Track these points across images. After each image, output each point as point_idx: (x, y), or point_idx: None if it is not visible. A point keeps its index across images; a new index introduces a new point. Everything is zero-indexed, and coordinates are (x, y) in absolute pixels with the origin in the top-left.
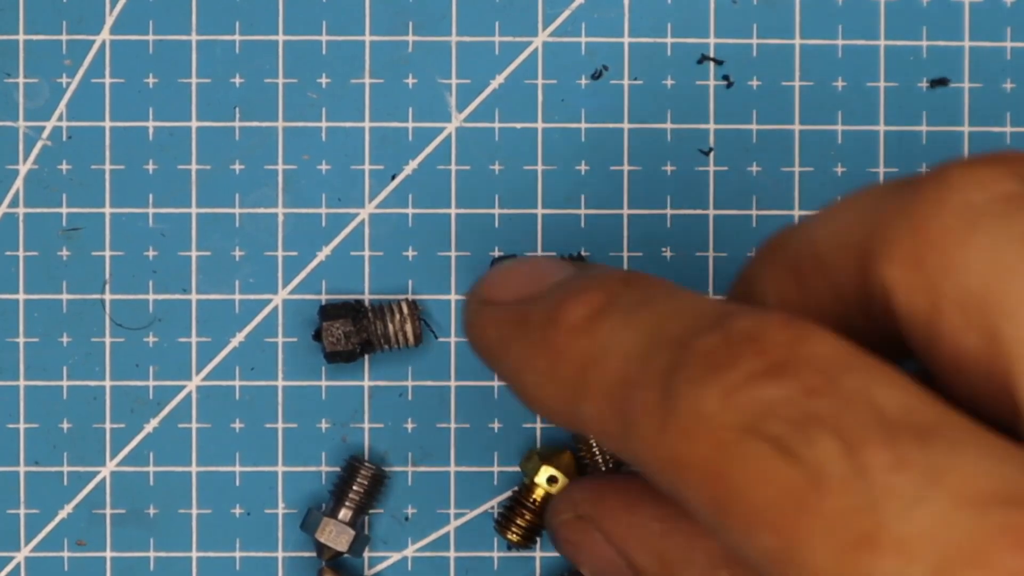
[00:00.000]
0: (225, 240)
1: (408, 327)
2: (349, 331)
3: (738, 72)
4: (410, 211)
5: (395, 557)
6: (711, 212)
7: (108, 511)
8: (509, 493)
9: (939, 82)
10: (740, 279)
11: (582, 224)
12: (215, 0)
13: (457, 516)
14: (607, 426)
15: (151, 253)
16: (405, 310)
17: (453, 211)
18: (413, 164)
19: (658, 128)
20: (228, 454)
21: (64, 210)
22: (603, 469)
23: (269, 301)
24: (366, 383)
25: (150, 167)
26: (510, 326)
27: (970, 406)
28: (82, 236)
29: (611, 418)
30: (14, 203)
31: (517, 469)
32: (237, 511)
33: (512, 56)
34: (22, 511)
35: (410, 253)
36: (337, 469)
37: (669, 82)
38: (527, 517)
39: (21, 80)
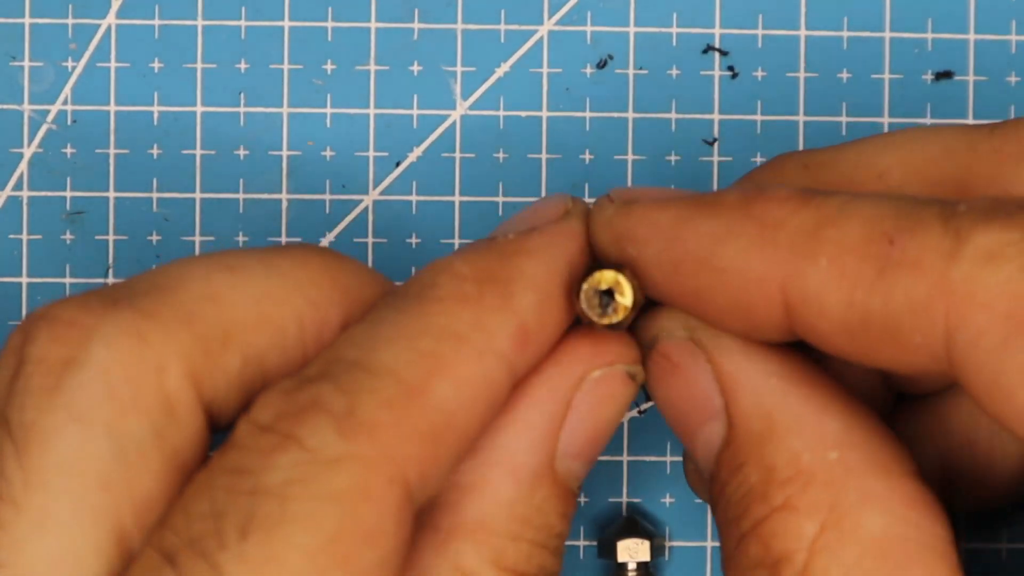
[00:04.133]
0: (229, 226)
1: None
2: None
3: (743, 62)
4: (414, 198)
5: None
6: None
7: None
8: None
9: (944, 75)
10: None
11: None
12: None
13: None
14: (849, 273)
15: (155, 238)
16: None
17: (457, 199)
18: (418, 151)
19: (663, 118)
20: None
21: (68, 194)
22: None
23: None
24: None
25: (154, 152)
26: (692, 208)
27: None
28: (86, 220)
29: (857, 265)
30: (18, 186)
31: None
32: None
33: (517, 44)
34: None
35: (414, 240)
36: None
37: (674, 72)
38: None
39: (26, 63)
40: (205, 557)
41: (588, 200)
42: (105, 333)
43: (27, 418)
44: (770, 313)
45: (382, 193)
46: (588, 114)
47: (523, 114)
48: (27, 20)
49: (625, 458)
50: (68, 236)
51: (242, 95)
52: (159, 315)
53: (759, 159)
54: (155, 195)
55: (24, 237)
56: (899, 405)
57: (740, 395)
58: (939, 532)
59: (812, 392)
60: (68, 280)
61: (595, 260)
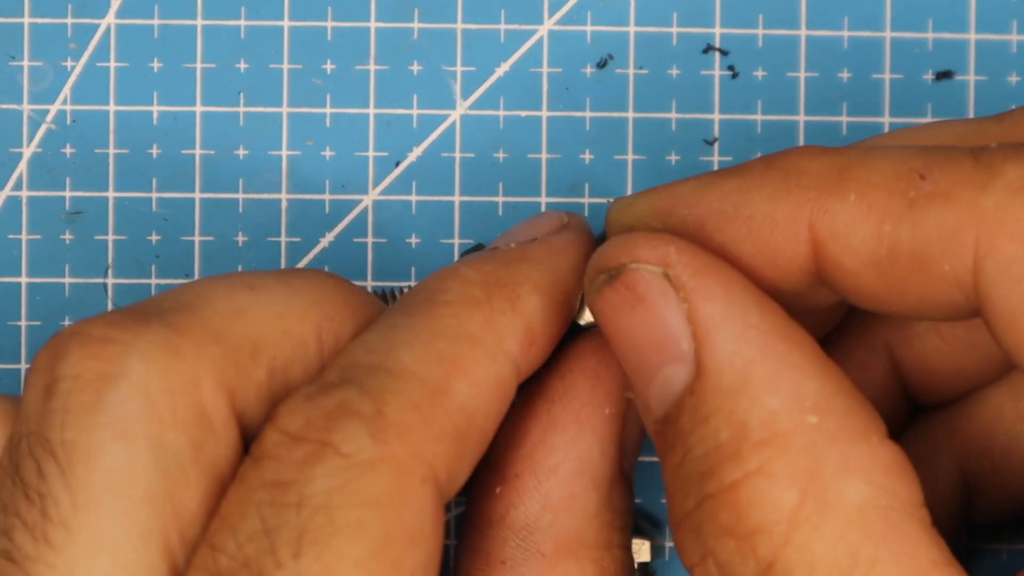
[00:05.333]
0: (228, 226)
1: None
2: None
3: (743, 62)
4: (414, 198)
5: None
6: None
7: None
8: None
9: (944, 75)
10: None
11: (586, 212)
12: None
13: (457, 504)
14: (878, 206)
15: (154, 238)
16: None
17: (457, 198)
18: (417, 151)
19: (663, 117)
20: None
21: (67, 194)
22: None
23: None
24: None
25: (154, 151)
26: (713, 174)
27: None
28: (85, 220)
29: (886, 199)
30: (17, 186)
31: None
32: None
33: (517, 44)
34: None
35: (413, 240)
36: None
37: (674, 72)
38: None
39: (26, 63)
40: None
41: (588, 199)
42: (141, 348)
43: (69, 437)
44: (798, 255)
45: (382, 193)
46: (588, 114)
47: (523, 114)
48: (26, 20)
49: None
50: (67, 236)
51: (242, 95)
52: (190, 330)
53: None
54: (154, 195)
55: (23, 237)
56: (916, 416)
57: (715, 342)
58: (916, 499)
59: (791, 349)
60: (67, 280)
61: None
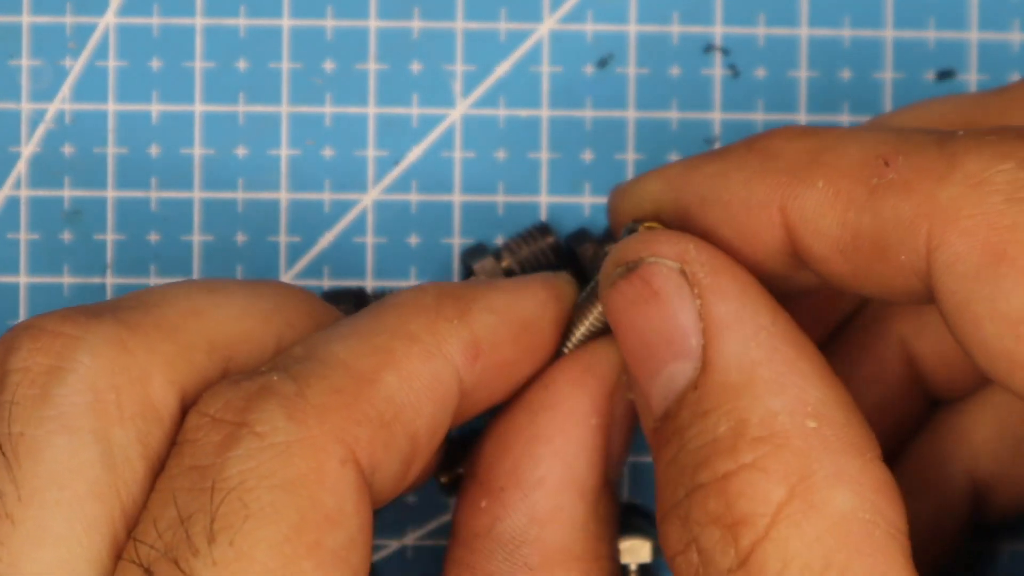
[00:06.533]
0: (228, 225)
1: None
2: None
3: (744, 61)
4: (413, 198)
5: (394, 546)
6: None
7: None
8: None
9: (946, 74)
10: None
11: (586, 212)
12: None
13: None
14: (844, 194)
15: (153, 237)
16: None
17: (457, 198)
18: (417, 151)
19: (663, 117)
20: None
21: (67, 193)
22: None
23: None
24: None
25: (153, 151)
26: (699, 157)
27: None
28: (84, 219)
29: (851, 187)
30: (16, 186)
31: None
32: None
33: (517, 43)
34: None
35: (413, 240)
36: None
37: (675, 71)
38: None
39: (25, 62)
40: (180, 566)
41: (588, 199)
42: (90, 342)
43: (16, 430)
44: (773, 239)
45: (382, 192)
46: (588, 113)
47: (523, 113)
48: (25, 19)
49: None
50: (67, 236)
51: (241, 94)
52: (142, 327)
53: None
54: (154, 194)
55: (22, 236)
56: (928, 416)
57: (725, 340)
58: (900, 523)
59: (799, 356)
60: (66, 280)
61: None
